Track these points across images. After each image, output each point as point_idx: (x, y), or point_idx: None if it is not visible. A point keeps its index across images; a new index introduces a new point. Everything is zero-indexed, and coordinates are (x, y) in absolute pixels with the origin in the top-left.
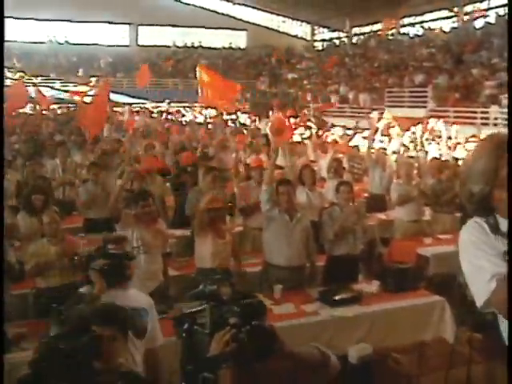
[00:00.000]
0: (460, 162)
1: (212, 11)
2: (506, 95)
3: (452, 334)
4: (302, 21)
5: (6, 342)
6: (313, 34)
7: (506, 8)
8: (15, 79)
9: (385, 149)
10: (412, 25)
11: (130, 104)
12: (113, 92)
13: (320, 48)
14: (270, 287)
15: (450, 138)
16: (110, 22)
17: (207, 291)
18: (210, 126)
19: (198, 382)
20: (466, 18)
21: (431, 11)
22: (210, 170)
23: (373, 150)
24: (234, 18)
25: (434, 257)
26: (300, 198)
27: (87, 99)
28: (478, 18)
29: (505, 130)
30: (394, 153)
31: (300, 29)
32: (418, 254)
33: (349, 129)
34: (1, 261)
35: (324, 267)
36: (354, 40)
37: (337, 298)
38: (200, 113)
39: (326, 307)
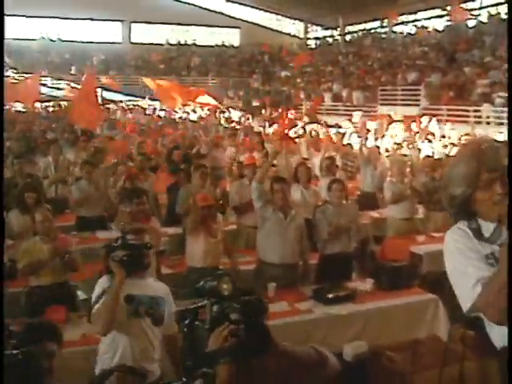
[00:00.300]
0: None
1: (205, 9)
2: (499, 94)
3: (445, 332)
4: (296, 19)
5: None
6: (306, 32)
7: (498, 7)
8: (7, 76)
9: (378, 147)
10: (405, 23)
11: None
12: (105, 90)
13: (313, 46)
14: (263, 285)
15: (443, 136)
16: (103, 20)
17: (207, 287)
18: (202, 123)
19: (198, 377)
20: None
21: (424, 10)
22: (198, 167)
23: (366, 148)
24: (228, 15)
25: (427, 255)
26: (295, 195)
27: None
28: (465, 18)
29: (494, 130)
30: (387, 151)
31: (293, 27)
32: (411, 252)
33: (340, 127)
34: (1, 260)
35: (317, 265)
36: (348, 38)
37: (330, 296)
38: (193, 111)
39: (320, 305)
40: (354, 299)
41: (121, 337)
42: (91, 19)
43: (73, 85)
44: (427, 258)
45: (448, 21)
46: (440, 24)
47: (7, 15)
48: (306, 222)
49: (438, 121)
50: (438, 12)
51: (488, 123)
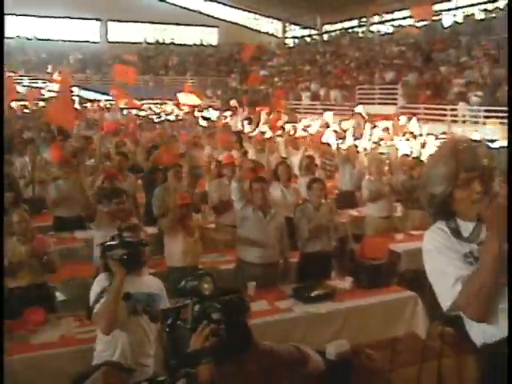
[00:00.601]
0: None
1: (183, 8)
2: (474, 93)
3: (424, 329)
4: (274, 18)
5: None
6: (284, 32)
7: (473, 8)
8: None
9: (356, 146)
10: (382, 22)
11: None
12: (83, 89)
13: (291, 45)
14: (243, 284)
15: (421, 135)
16: (80, 18)
17: (189, 287)
18: (180, 123)
19: (181, 377)
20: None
21: (400, 9)
22: (172, 166)
23: (344, 147)
24: (206, 14)
25: (405, 253)
26: (275, 194)
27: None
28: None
29: (470, 129)
30: (365, 149)
31: (271, 26)
32: (390, 250)
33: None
34: (1, 260)
35: (298, 264)
36: (325, 37)
37: (310, 294)
38: (172, 111)
39: (300, 304)
40: (333, 298)
41: (120, 334)
42: (69, 18)
43: (50, 84)
44: (406, 256)
45: (419, 21)
46: (417, 24)
47: None
48: (286, 220)
49: (416, 119)
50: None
51: (464, 122)
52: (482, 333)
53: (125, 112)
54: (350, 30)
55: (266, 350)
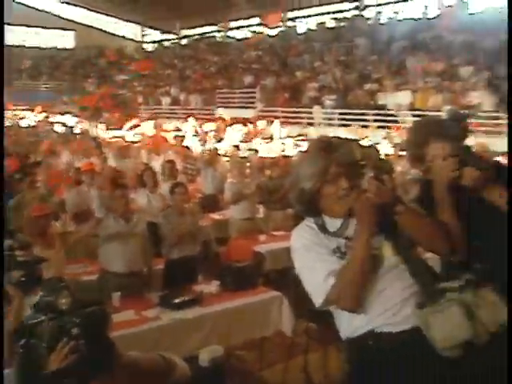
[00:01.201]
0: (289, 160)
1: (37, 10)
2: (328, 96)
3: (290, 327)
4: (132, 22)
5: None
6: (143, 36)
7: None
8: None
9: (217, 149)
10: (239, 28)
11: None
12: None
13: (150, 49)
14: (108, 295)
15: (280, 137)
16: None
17: (44, 303)
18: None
19: None
20: (289, 23)
21: (256, 16)
22: (28, 175)
23: (205, 150)
24: (62, 17)
25: (269, 253)
26: (141, 200)
27: None
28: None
29: (325, 131)
30: (227, 152)
31: (129, 30)
32: (254, 252)
33: (180, 130)
34: (1, 259)
35: (163, 271)
36: (184, 42)
37: (177, 300)
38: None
39: (167, 311)
40: (200, 302)
41: None
42: None
43: None
44: (270, 257)
45: (274, 27)
46: (271, 30)
47: None
48: (153, 226)
49: (275, 122)
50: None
51: (319, 124)
52: (350, 326)
53: None
54: (208, 35)
55: (130, 362)
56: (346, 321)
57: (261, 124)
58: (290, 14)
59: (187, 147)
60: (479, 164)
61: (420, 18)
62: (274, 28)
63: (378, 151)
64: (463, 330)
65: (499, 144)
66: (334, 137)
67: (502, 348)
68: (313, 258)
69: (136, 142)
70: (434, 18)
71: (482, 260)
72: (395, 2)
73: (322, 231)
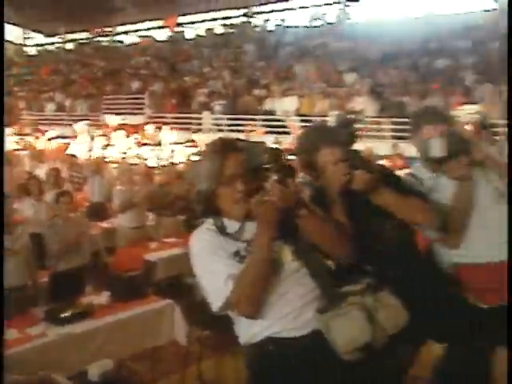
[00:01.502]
0: (179, 167)
1: None
2: (217, 102)
3: (183, 336)
4: (13, 24)
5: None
6: (24, 38)
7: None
8: None
9: (104, 156)
10: (126, 33)
11: None
12: None
13: (32, 53)
14: None
15: (170, 143)
16: None
17: None
18: None
19: None
20: (177, 29)
21: (143, 21)
22: None
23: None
24: None
25: (161, 261)
26: (27, 210)
27: None
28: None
29: (215, 136)
30: (114, 160)
31: (10, 32)
32: (144, 260)
33: (66, 137)
34: (1, 259)
35: (48, 284)
36: (70, 46)
37: (64, 315)
38: None
39: (53, 327)
40: (90, 315)
41: None
42: None
43: None
44: (161, 264)
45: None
46: (161, 35)
47: None
48: (38, 237)
49: (164, 129)
50: (159, 23)
51: (210, 130)
52: (249, 332)
53: None
54: (94, 40)
55: None
56: (245, 327)
57: (149, 130)
58: (180, 19)
59: (73, 155)
60: (368, 167)
61: (307, 26)
62: (168, 33)
63: (283, 154)
64: (364, 333)
65: (382, 148)
66: (239, 139)
67: (398, 351)
68: (213, 261)
69: (19, 150)
70: (320, 26)
71: (373, 263)
72: (281, 11)
73: (222, 233)
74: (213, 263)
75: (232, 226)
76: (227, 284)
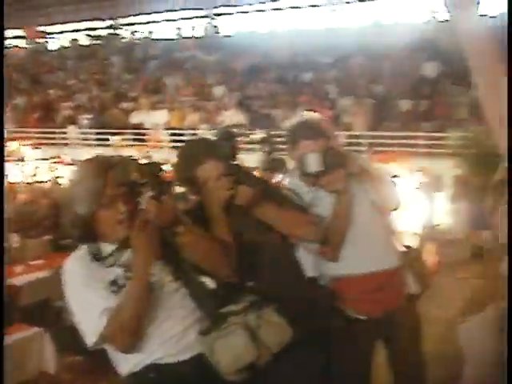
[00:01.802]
0: (46, 185)
1: None
2: (84, 116)
3: (53, 364)
4: None
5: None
6: None
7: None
8: None
9: None
10: None
11: None
12: None
13: None
14: None
15: (34, 160)
16: None
17: None
18: None
19: None
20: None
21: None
22: None
23: None
24: None
25: (27, 285)
26: None
27: None
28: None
29: (82, 151)
30: None
31: None
32: (8, 286)
33: None
34: (1, 259)
35: None
36: None
37: None
38: None
39: None
40: None
41: None
42: None
43: None
44: (27, 289)
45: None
46: (22, 45)
47: None
48: None
49: (26, 144)
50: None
51: (75, 144)
52: (128, 363)
53: None
54: None
55: None
56: (122, 358)
57: (12, 146)
58: (42, 29)
59: None
60: (251, 181)
61: (174, 39)
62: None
63: (159, 169)
64: (248, 352)
65: (250, 159)
66: (112, 156)
67: (284, 368)
68: (86, 292)
69: None
70: (190, 37)
71: (256, 279)
72: (147, 23)
73: (98, 260)
74: (86, 295)
75: (111, 250)
76: (101, 318)
